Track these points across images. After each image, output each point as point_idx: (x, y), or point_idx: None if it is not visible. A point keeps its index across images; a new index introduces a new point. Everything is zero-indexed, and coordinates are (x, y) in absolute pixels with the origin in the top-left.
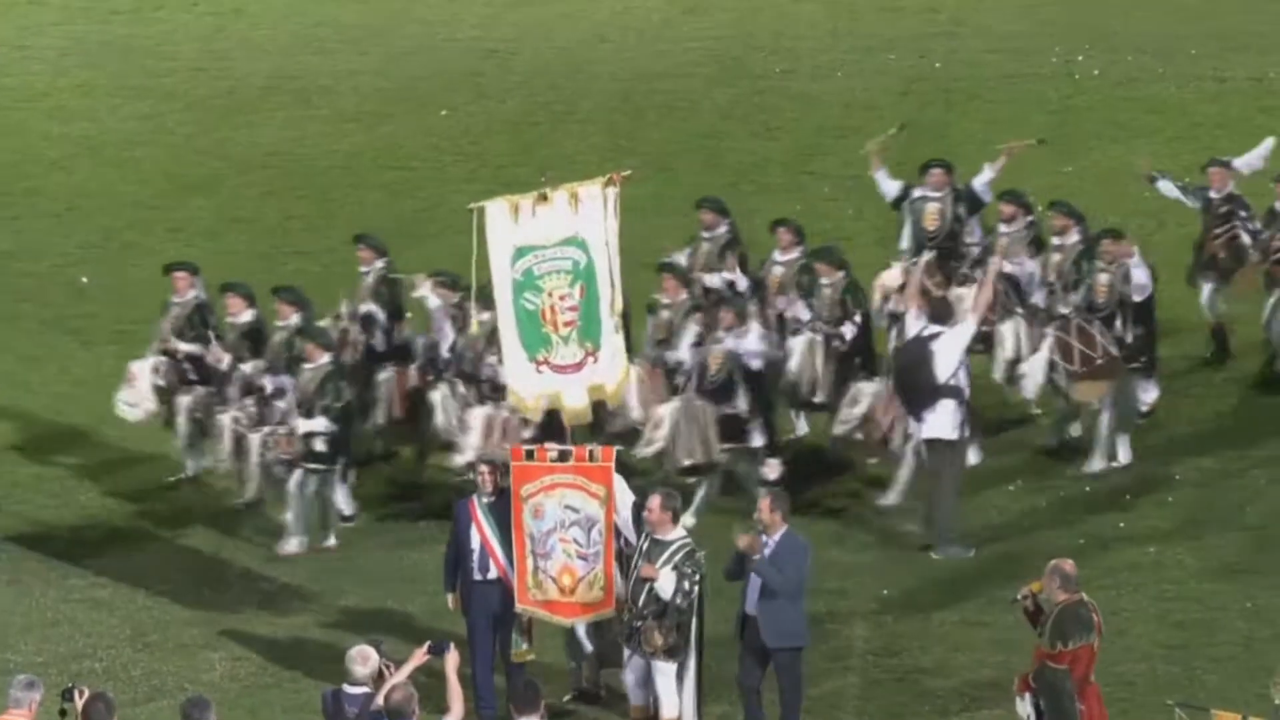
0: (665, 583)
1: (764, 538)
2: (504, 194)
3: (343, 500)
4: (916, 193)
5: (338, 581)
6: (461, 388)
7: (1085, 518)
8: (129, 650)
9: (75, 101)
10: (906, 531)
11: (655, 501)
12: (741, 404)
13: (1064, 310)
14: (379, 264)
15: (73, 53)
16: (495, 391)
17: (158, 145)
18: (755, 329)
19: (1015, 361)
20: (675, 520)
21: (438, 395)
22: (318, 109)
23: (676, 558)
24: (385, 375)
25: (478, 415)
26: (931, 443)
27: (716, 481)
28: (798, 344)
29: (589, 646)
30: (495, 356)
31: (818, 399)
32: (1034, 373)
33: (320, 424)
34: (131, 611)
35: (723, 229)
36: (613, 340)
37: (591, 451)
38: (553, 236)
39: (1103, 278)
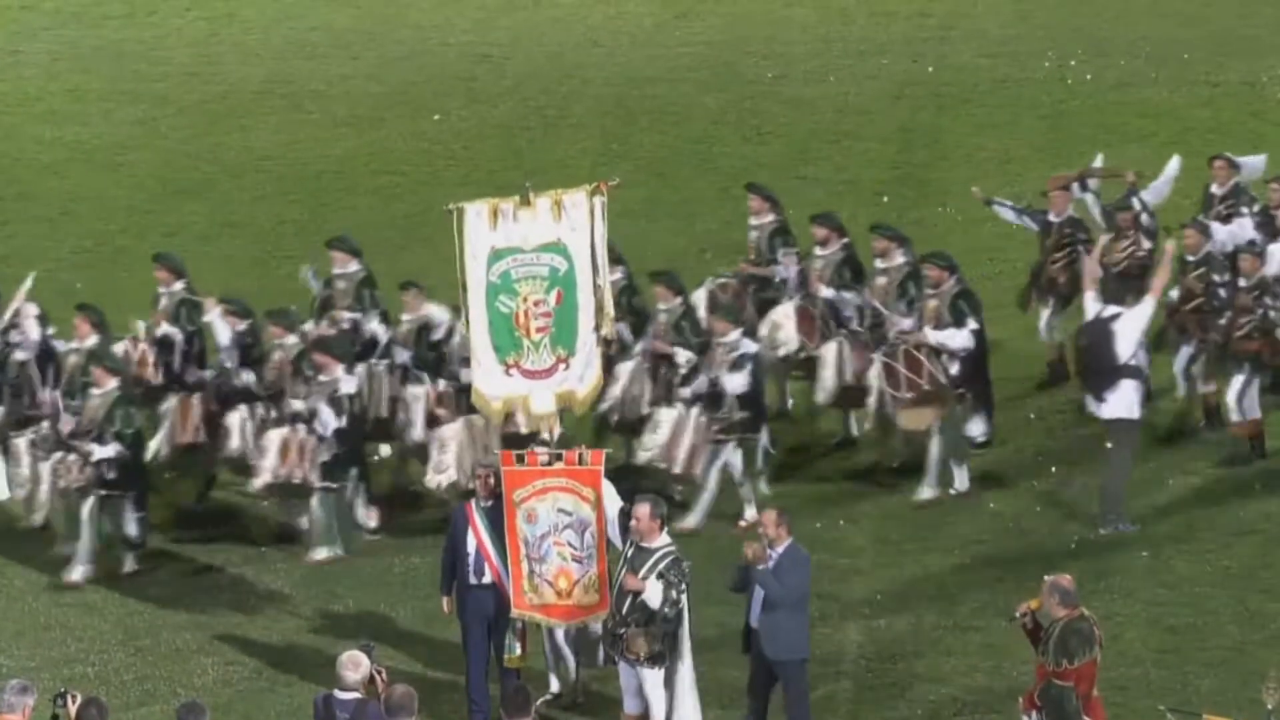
0: (652, 592)
1: (769, 550)
2: (496, 198)
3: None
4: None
5: (330, 586)
6: (261, 410)
7: (1077, 521)
8: (121, 655)
9: (67, 106)
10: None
11: (644, 510)
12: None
13: (895, 332)
14: (178, 285)
15: (65, 57)
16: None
17: (150, 150)
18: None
19: (843, 386)
20: (663, 528)
21: (235, 418)
22: (310, 114)
23: (661, 565)
24: (168, 402)
25: (274, 438)
26: (1112, 422)
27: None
28: (624, 369)
29: (568, 652)
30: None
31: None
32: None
33: (111, 450)
34: (123, 616)
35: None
36: (588, 348)
37: (581, 454)
38: (532, 241)
39: (931, 303)
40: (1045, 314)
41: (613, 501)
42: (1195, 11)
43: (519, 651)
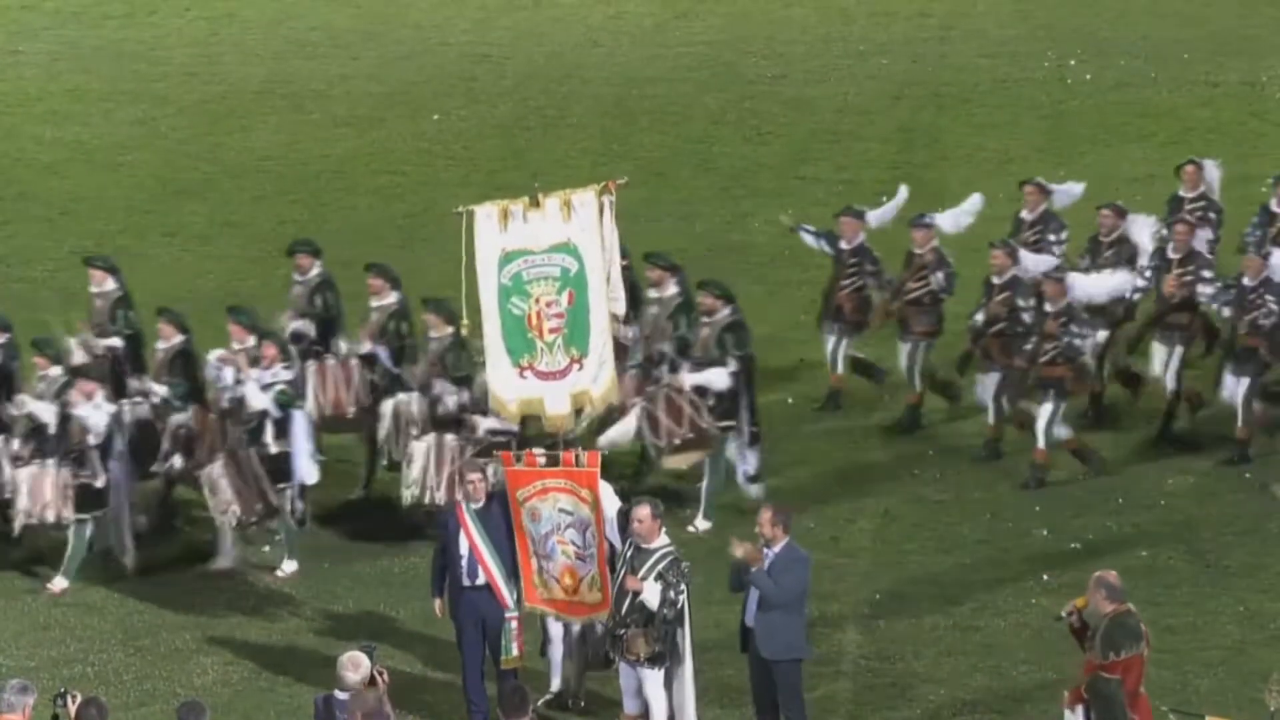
0: (651, 593)
1: (765, 549)
2: (496, 199)
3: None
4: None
5: (330, 587)
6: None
7: (1076, 521)
8: (120, 654)
9: (68, 106)
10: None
11: (645, 511)
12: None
13: (661, 368)
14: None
15: (65, 57)
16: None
17: (150, 150)
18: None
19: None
20: (663, 528)
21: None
22: (310, 114)
23: (660, 566)
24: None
25: (23, 475)
26: None
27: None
28: (388, 407)
29: (560, 652)
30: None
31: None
32: (620, 436)
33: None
34: (123, 616)
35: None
36: (601, 348)
37: (578, 456)
38: (542, 242)
39: (704, 331)
40: (831, 340)
41: (611, 502)
42: (1195, 12)
43: (515, 652)
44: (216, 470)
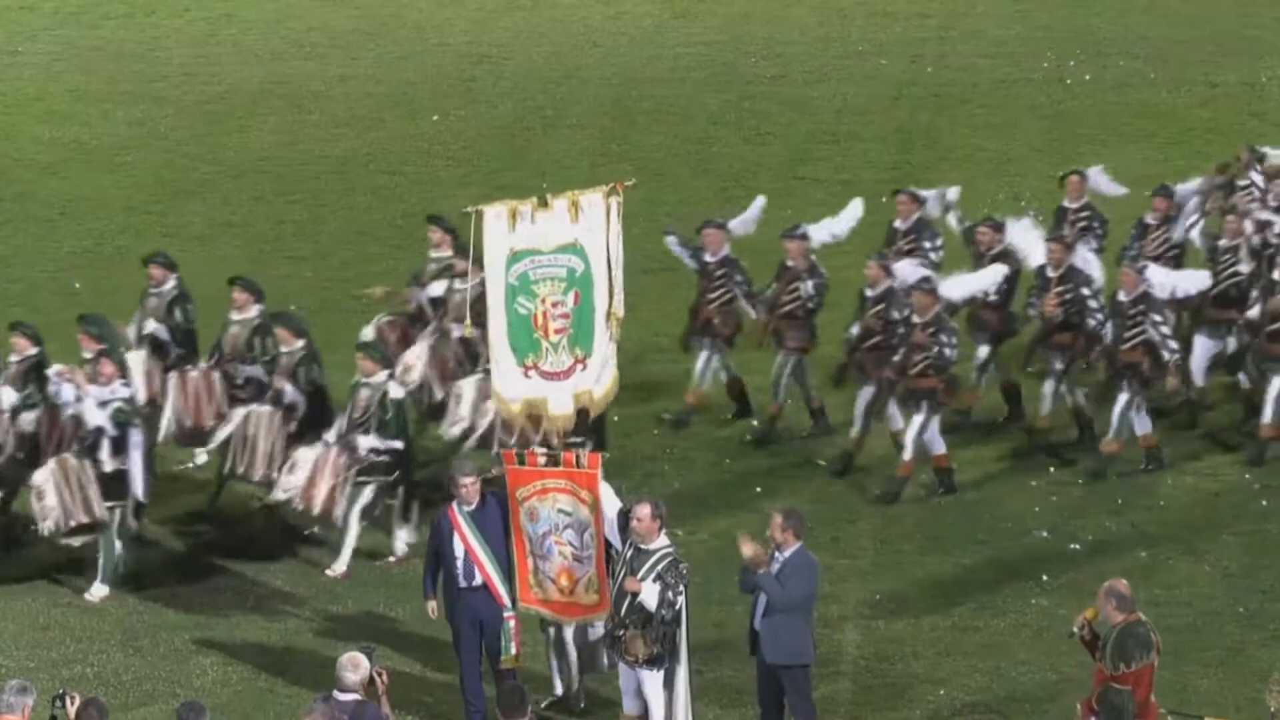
0: (649, 594)
1: (776, 553)
2: (495, 199)
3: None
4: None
5: (329, 587)
6: None
7: (1075, 522)
8: (120, 655)
9: (67, 106)
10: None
11: (645, 511)
12: None
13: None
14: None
15: (64, 57)
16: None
17: (149, 150)
18: None
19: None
20: (662, 529)
21: None
22: (309, 114)
23: (660, 567)
24: None
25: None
26: None
27: None
28: (237, 415)
29: (574, 651)
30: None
31: (257, 475)
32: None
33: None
34: (122, 616)
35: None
36: (604, 348)
37: (578, 457)
38: (550, 242)
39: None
40: (703, 355)
41: (611, 503)
42: (1194, 12)
43: (513, 652)
44: (43, 476)
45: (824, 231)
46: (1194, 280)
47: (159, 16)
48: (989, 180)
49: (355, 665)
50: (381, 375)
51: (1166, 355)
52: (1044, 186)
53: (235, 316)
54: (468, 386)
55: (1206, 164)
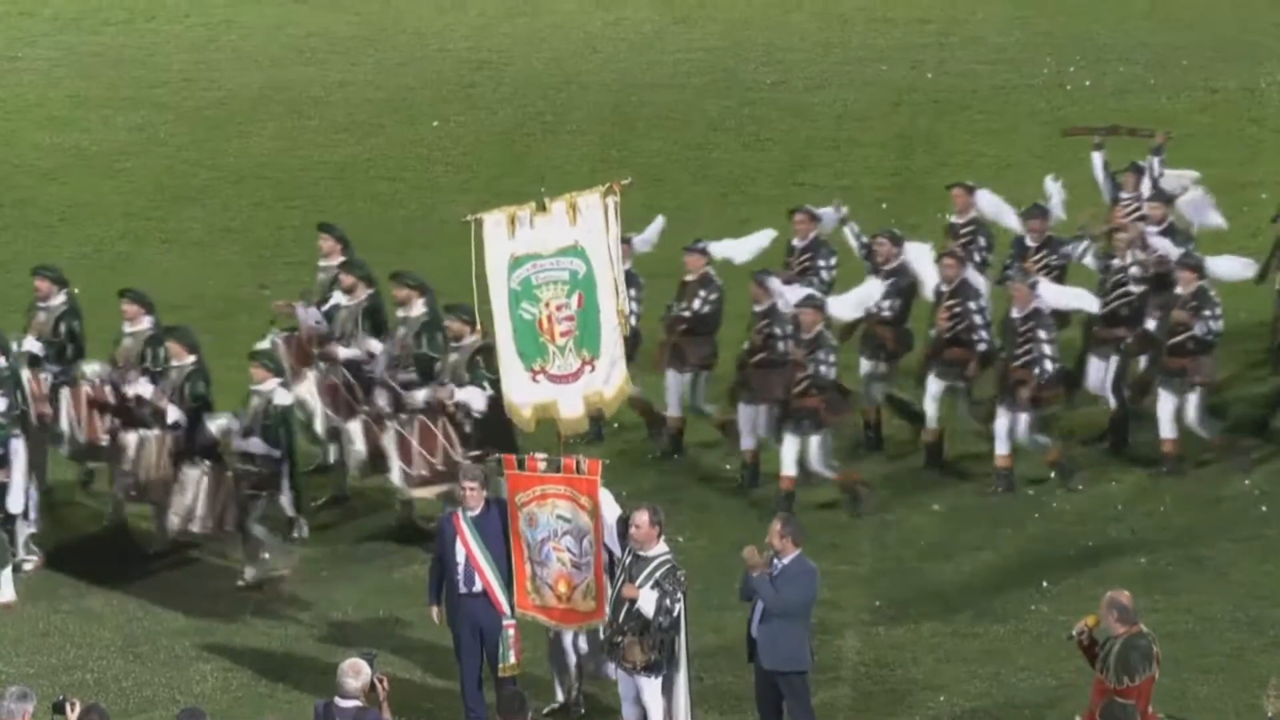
0: (646, 601)
1: (775, 560)
2: (495, 205)
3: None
4: None
5: (330, 592)
6: None
7: (1075, 528)
8: (120, 661)
9: (67, 112)
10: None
11: (643, 517)
12: None
13: (418, 395)
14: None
15: (64, 63)
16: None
17: (149, 156)
18: None
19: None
20: (661, 535)
21: None
22: (309, 119)
23: (658, 574)
24: None
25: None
26: None
27: None
28: (131, 440)
29: (574, 657)
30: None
31: (154, 497)
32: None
33: None
34: (122, 623)
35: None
36: (612, 349)
37: (578, 463)
38: (550, 246)
39: (452, 357)
40: None
41: (611, 509)
42: (1194, 18)
43: (513, 660)
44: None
45: (726, 249)
46: (1081, 298)
47: (159, 22)
48: (988, 186)
49: (356, 671)
50: (272, 382)
51: (1038, 370)
52: (1042, 192)
53: (127, 329)
54: (354, 429)
55: (1206, 169)
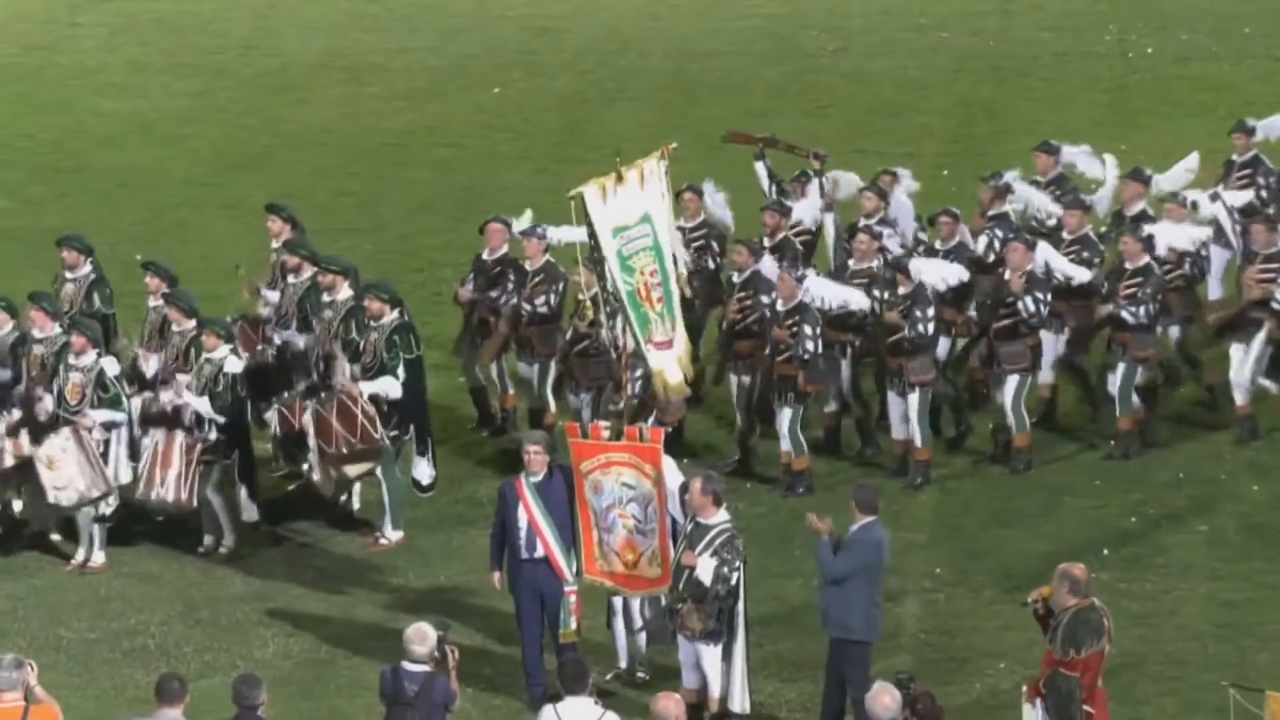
0: (704, 569)
1: (852, 527)
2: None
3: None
4: None
5: (389, 559)
6: None
7: (1133, 496)
8: (181, 627)
9: (126, 79)
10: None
11: (695, 486)
12: None
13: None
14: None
15: (124, 30)
16: None
17: (209, 122)
18: None
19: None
20: (717, 504)
21: None
22: (369, 86)
23: (717, 543)
24: None
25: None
26: None
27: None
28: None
29: (638, 623)
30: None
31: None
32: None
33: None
34: (183, 588)
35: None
36: (677, 313)
37: (641, 431)
38: (633, 216)
39: (371, 336)
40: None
41: (674, 476)
42: None
43: (573, 626)
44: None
45: (564, 235)
46: (852, 297)
47: None
48: None
49: (423, 637)
50: (224, 349)
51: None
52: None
53: (69, 275)
54: (271, 417)
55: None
